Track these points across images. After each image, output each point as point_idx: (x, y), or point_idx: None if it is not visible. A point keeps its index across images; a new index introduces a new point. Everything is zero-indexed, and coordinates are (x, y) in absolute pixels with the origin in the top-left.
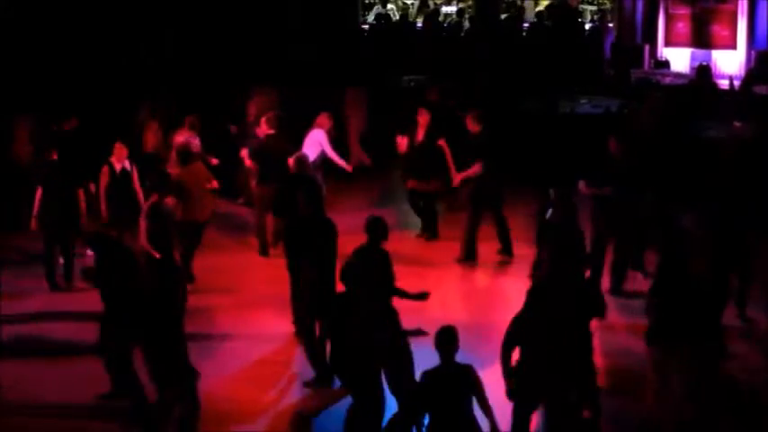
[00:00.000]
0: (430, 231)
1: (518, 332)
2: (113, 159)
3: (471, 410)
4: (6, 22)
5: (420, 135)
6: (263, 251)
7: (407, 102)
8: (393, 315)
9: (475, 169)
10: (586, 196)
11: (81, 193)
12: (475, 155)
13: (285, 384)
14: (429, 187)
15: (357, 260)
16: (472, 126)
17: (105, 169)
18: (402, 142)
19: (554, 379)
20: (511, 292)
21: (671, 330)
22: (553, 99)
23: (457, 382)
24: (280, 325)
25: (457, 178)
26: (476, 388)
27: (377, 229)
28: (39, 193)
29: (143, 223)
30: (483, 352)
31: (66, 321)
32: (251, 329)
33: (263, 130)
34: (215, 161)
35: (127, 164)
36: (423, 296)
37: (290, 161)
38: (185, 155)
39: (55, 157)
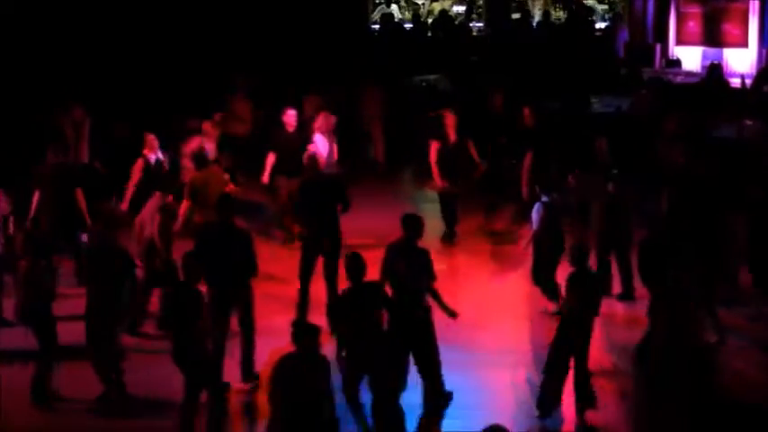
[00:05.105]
0: (452, 233)
1: None
2: (146, 151)
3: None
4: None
5: (452, 137)
6: None
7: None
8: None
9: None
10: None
11: (79, 193)
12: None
13: None
14: (458, 189)
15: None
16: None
17: (140, 162)
18: (434, 146)
19: None
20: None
21: None
22: (583, 98)
23: (367, 297)
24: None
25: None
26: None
27: (414, 226)
28: (35, 197)
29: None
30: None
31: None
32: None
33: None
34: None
35: (160, 154)
36: (452, 314)
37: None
38: (201, 159)
39: (51, 159)
